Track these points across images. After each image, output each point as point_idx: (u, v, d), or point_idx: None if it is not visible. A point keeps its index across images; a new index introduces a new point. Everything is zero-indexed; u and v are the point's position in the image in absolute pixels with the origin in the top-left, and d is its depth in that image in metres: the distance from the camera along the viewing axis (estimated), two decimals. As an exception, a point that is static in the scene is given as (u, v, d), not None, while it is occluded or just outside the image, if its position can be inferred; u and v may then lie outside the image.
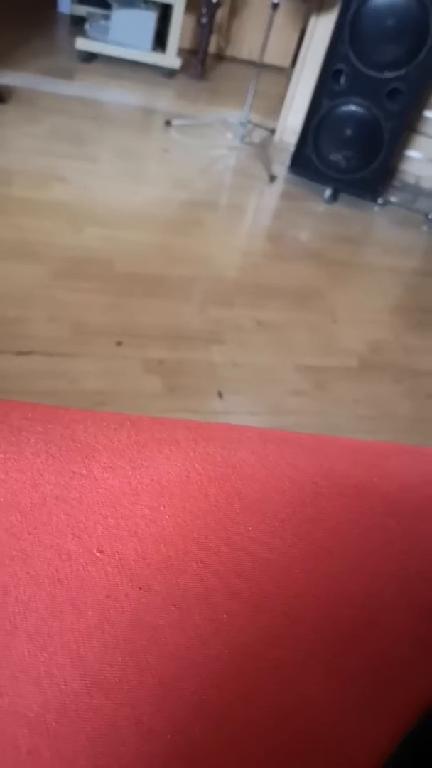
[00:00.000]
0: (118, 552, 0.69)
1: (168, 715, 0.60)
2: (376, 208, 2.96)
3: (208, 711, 0.61)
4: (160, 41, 3.59)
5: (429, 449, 0.89)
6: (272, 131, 3.30)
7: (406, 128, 2.81)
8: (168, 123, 3.15)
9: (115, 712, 0.61)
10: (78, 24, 3.73)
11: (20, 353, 1.73)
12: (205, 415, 1.75)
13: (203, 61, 3.72)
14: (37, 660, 0.61)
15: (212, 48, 3.91)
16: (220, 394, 1.80)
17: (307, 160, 2.87)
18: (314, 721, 0.63)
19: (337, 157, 2.80)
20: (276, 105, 3.40)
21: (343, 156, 2.79)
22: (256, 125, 3.23)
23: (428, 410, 1.95)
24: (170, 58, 3.58)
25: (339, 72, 2.62)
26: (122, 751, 0.58)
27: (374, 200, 2.95)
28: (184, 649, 0.65)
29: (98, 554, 0.68)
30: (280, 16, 3.67)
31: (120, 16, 3.43)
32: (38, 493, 0.70)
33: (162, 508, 0.71)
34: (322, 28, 2.86)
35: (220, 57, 4.06)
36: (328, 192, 2.89)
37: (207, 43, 3.68)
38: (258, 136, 3.25)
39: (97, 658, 0.63)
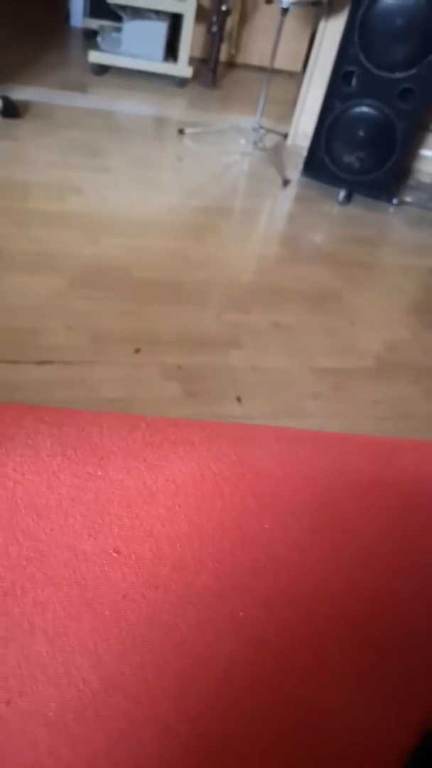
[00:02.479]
0: (134, 552, 0.69)
1: (185, 712, 0.61)
2: (391, 209, 2.95)
3: (225, 708, 0.61)
4: (171, 51, 3.62)
5: (444, 443, 0.88)
6: (285, 136, 3.30)
7: (419, 127, 2.80)
8: (181, 131, 3.17)
9: (133, 710, 0.61)
10: (90, 37, 3.77)
11: (40, 363, 1.74)
12: (224, 420, 1.75)
13: (214, 69, 3.74)
14: (55, 660, 0.62)
15: (223, 56, 3.93)
16: (238, 399, 1.80)
17: (321, 163, 2.86)
18: (333, 716, 0.63)
19: (350, 158, 2.79)
20: (288, 109, 3.40)
21: (357, 157, 2.78)
22: (269, 130, 3.23)
23: (449, 409, 1.93)
24: (182, 68, 3.60)
25: (350, 74, 2.62)
26: (140, 749, 0.58)
27: (389, 200, 2.94)
28: (201, 646, 0.65)
29: (114, 554, 0.68)
30: (290, 21, 3.69)
31: (131, 28, 3.47)
32: (54, 494, 0.70)
33: (177, 508, 0.72)
34: (332, 31, 2.86)
35: (231, 64, 4.08)
36: (342, 194, 2.89)
37: (218, 51, 3.70)
38: (271, 141, 3.26)
39: (115, 658, 0.63)
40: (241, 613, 0.67)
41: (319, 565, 0.73)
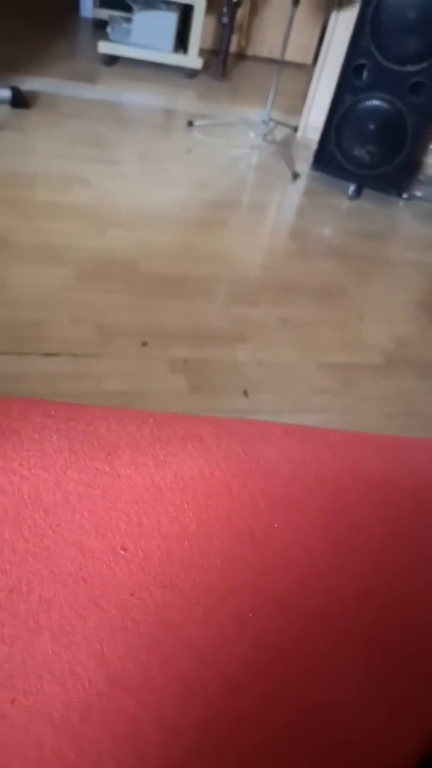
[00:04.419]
0: (141, 549, 0.68)
1: (193, 714, 0.60)
2: (401, 203, 2.93)
3: (233, 710, 0.60)
4: (181, 42, 3.59)
5: (457, 443, 0.87)
6: (295, 129, 3.28)
7: (430, 122, 2.77)
8: (190, 123, 3.15)
9: (140, 711, 0.60)
10: (100, 27, 3.75)
11: (46, 355, 1.74)
12: (230, 414, 1.74)
13: (224, 61, 3.71)
14: (60, 659, 0.61)
15: (233, 47, 3.90)
16: (245, 393, 1.78)
17: (331, 157, 2.84)
18: (343, 721, 0.62)
19: (360, 152, 2.77)
20: (298, 102, 3.38)
21: (367, 151, 2.76)
22: (279, 123, 3.21)
23: (457, 406, 1.92)
24: (192, 59, 3.58)
25: (361, 67, 2.60)
26: (147, 751, 0.58)
27: (399, 195, 2.92)
28: (209, 647, 0.64)
29: (122, 552, 0.67)
30: (301, 13, 3.66)
31: (141, 18, 3.44)
32: (61, 490, 0.69)
33: (185, 505, 0.70)
34: (343, 23, 2.84)
35: (241, 56, 4.06)
36: (351, 188, 2.86)
37: (228, 43, 3.67)
38: (280, 134, 3.23)
39: (121, 657, 0.62)
40: (250, 614, 0.66)
41: (330, 567, 0.71)
